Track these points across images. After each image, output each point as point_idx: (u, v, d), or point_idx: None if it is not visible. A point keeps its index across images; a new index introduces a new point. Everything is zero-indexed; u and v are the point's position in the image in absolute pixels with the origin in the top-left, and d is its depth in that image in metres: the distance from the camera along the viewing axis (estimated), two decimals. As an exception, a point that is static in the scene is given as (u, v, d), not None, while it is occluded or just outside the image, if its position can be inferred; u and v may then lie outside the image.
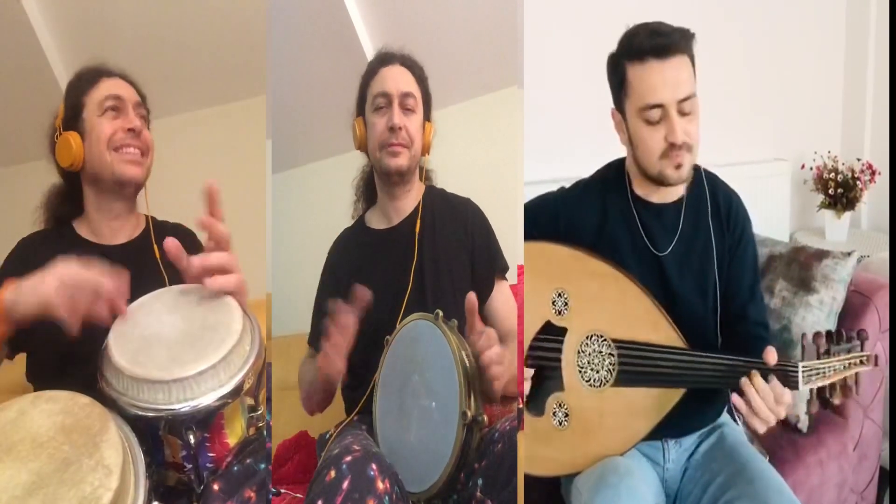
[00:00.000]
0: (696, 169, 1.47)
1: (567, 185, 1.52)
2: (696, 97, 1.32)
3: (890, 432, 1.98)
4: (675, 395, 1.34)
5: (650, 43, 1.30)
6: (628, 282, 1.35)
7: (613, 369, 1.35)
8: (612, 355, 1.35)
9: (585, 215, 1.44)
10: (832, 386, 1.26)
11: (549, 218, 1.45)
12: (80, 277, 1.11)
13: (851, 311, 1.77)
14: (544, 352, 1.40)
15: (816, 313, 1.74)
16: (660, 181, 1.37)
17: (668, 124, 1.31)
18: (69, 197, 1.49)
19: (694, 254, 1.43)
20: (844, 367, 1.25)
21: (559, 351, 1.39)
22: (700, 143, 1.36)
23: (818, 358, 1.25)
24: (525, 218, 1.46)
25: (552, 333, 1.40)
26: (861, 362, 1.27)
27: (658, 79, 1.31)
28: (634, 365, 1.34)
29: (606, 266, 1.37)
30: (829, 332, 1.27)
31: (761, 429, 1.26)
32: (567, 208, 1.45)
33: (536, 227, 1.44)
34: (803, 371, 1.23)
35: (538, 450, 1.39)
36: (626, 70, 1.33)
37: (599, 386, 1.36)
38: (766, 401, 1.23)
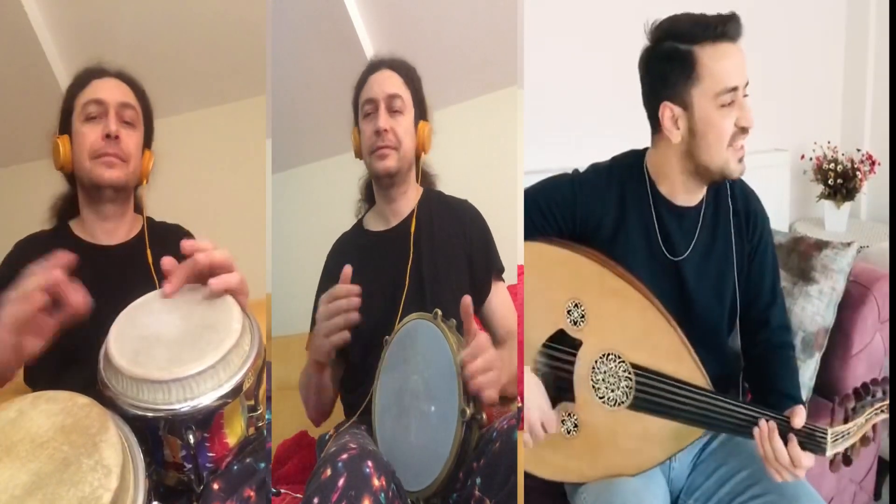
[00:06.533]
0: None
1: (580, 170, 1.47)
2: None
3: (889, 422, 1.97)
4: (695, 432, 1.30)
5: (723, 26, 1.27)
6: (654, 309, 1.30)
7: (630, 393, 1.31)
8: (630, 378, 1.31)
9: (603, 204, 1.39)
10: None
11: (567, 202, 1.39)
12: (12, 316, 1.06)
13: (851, 302, 1.77)
14: (556, 361, 1.37)
15: (816, 303, 1.74)
16: (719, 175, 1.32)
17: (739, 107, 1.28)
18: (68, 196, 1.51)
19: (712, 258, 1.39)
20: (866, 420, 1.21)
21: (571, 363, 1.35)
22: None
23: (845, 421, 1.20)
24: (538, 201, 1.40)
25: (565, 343, 1.37)
26: (882, 411, 1.23)
27: (733, 61, 1.27)
28: (652, 394, 1.30)
29: (630, 288, 1.31)
30: (855, 390, 1.22)
31: (777, 479, 1.22)
32: (584, 193, 1.40)
33: (552, 211, 1.39)
34: (832, 437, 1.17)
35: (544, 454, 1.36)
36: (697, 54, 1.27)
37: (613, 406, 1.33)
38: (780, 461, 1.19)
